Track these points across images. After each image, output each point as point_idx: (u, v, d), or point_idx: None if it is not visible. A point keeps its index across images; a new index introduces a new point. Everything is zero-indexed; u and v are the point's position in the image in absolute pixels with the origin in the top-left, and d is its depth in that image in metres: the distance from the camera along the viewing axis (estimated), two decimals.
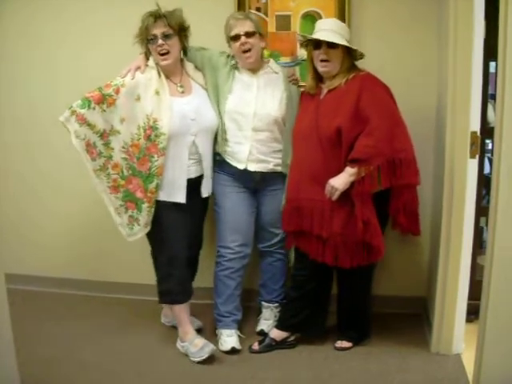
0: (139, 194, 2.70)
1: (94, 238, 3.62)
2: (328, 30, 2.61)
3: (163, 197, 2.73)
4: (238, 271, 2.93)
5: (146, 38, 2.69)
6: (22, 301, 3.45)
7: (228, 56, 2.89)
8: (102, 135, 2.65)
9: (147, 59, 2.75)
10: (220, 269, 2.93)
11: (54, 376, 2.66)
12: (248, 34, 2.73)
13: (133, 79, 2.68)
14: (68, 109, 2.61)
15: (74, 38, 3.45)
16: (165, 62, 2.70)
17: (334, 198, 2.56)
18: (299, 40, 2.76)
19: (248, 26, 2.73)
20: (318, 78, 2.75)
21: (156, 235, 2.78)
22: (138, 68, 2.72)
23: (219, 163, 2.89)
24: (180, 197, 2.74)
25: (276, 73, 2.88)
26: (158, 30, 2.65)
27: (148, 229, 2.76)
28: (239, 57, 2.78)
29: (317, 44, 2.64)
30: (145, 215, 2.72)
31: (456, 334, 2.77)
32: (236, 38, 2.73)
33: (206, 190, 2.87)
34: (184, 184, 2.74)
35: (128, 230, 2.78)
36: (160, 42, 2.65)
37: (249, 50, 2.74)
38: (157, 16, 2.66)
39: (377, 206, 2.58)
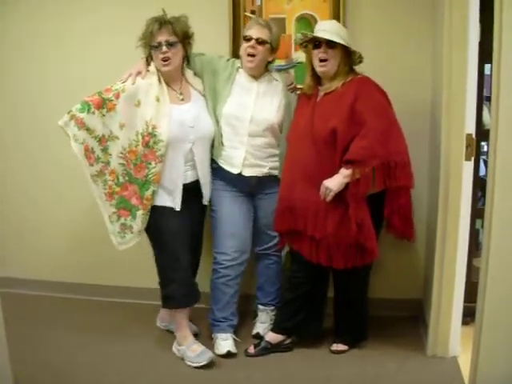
0: (134, 201, 2.69)
1: (90, 242, 3.59)
2: (328, 30, 2.62)
3: (162, 202, 2.72)
4: (235, 279, 2.91)
5: (149, 44, 2.67)
6: (18, 304, 3.43)
7: (228, 60, 2.90)
8: (101, 140, 2.64)
9: (148, 64, 2.74)
10: (217, 276, 2.91)
11: (48, 379, 2.64)
12: (259, 41, 2.73)
13: (133, 84, 2.66)
14: (67, 113, 2.60)
15: (72, 44, 3.44)
16: (166, 68, 2.69)
17: (329, 199, 2.56)
18: (299, 39, 2.75)
19: (263, 34, 2.74)
20: (316, 80, 2.75)
21: (157, 240, 2.77)
22: (139, 73, 2.70)
23: (215, 169, 2.88)
24: (176, 204, 2.73)
25: (276, 80, 2.88)
26: (162, 37, 2.64)
27: (140, 237, 2.75)
28: (243, 57, 2.79)
29: (316, 44, 2.65)
30: (139, 222, 2.71)
31: (452, 337, 2.77)
32: (248, 39, 2.74)
33: (205, 198, 2.87)
34: (180, 191, 2.73)
35: (119, 238, 2.77)
36: (164, 49, 2.64)
37: (253, 56, 2.74)
38: (162, 22, 2.64)
39: (372, 208, 2.58)
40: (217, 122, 2.81)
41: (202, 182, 2.82)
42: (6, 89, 3.62)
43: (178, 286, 2.75)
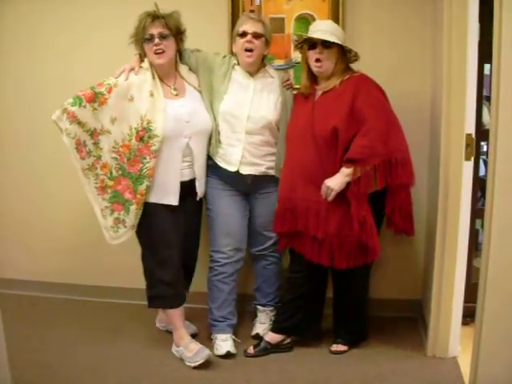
0: (128, 196, 2.68)
1: (89, 243, 3.58)
2: (323, 30, 2.61)
3: (154, 199, 2.71)
4: (231, 276, 2.91)
5: (142, 38, 2.67)
6: (16, 305, 3.44)
7: (224, 57, 2.89)
8: (93, 134, 2.64)
9: (142, 61, 2.74)
10: (213, 274, 2.91)
11: (47, 381, 2.63)
12: (256, 35, 2.73)
13: (126, 80, 2.66)
14: (60, 108, 2.60)
15: (69, 44, 3.44)
16: (159, 61, 2.68)
17: (330, 198, 2.56)
18: (294, 40, 2.76)
19: (258, 28, 2.74)
20: (313, 79, 2.75)
21: (147, 238, 2.76)
22: (132, 69, 2.70)
23: (211, 167, 2.87)
24: (172, 199, 2.72)
25: (272, 77, 2.88)
26: (155, 30, 2.64)
27: (133, 231, 2.74)
28: (240, 54, 2.78)
29: (312, 44, 2.65)
30: (132, 217, 2.70)
31: (452, 337, 2.76)
32: (243, 34, 2.74)
33: (199, 192, 2.85)
34: (177, 186, 2.72)
35: (112, 232, 2.76)
36: (157, 41, 2.64)
37: (251, 50, 2.74)
38: (155, 16, 2.65)
39: (372, 205, 2.58)
40: (214, 119, 2.80)
41: (197, 178, 2.80)
42: (2, 89, 3.61)
43: (166, 287, 2.75)
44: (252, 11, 3.14)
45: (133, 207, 2.68)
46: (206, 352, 2.75)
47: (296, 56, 3.09)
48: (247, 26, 2.74)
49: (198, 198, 2.86)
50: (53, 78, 3.50)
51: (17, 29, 3.51)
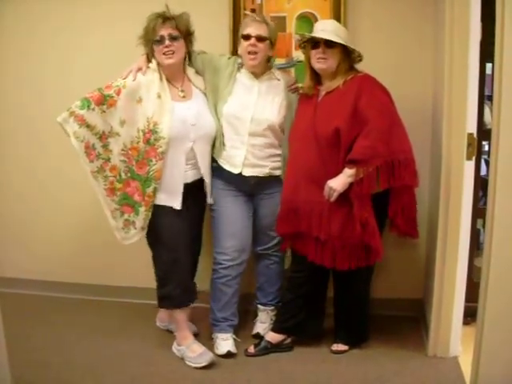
0: (137, 198, 2.68)
1: (87, 242, 3.59)
2: (326, 30, 2.61)
3: (162, 201, 2.71)
4: (234, 279, 2.90)
5: (151, 39, 2.66)
6: (16, 304, 3.42)
7: (229, 58, 2.88)
8: (101, 137, 2.63)
9: (149, 61, 2.73)
10: (217, 276, 2.91)
11: (47, 380, 2.63)
12: (259, 38, 2.71)
13: (134, 80, 2.65)
14: (66, 110, 2.58)
15: (69, 44, 3.44)
16: (169, 61, 2.67)
17: (333, 199, 2.55)
18: (297, 40, 2.75)
19: (262, 31, 2.72)
20: (316, 79, 2.74)
21: (156, 240, 2.76)
22: (140, 69, 2.69)
23: (215, 169, 2.87)
24: (176, 203, 2.72)
25: (278, 79, 2.87)
26: (165, 31, 2.63)
27: (144, 232, 2.74)
28: (244, 56, 2.77)
29: (315, 44, 2.64)
30: (141, 219, 2.70)
31: (453, 337, 2.76)
32: (247, 37, 2.72)
33: (209, 194, 2.86)
34: (180, 190, 2.71)
35: (123, 233, 2.76)
36: (167, 42, 2.63)
37: (254, 53, 2.73)
38: (165, 17, 2.65)
39: (375, 207, 2.57)
40: (218, 121, 2.79)
41: (206, 181, 2.82)
42: (2, 89, 3.61)
43: (174, 286, 2.75)
44: (253, 10, 3.14)
45: (142, 209, 2.68)
46: (210, 355, 2.75)
47: (297, 55, 3.09)
48: (251, 28, 2.73)
49: (210, 201, 2.87)
50: (52, 77, 3.50)
51: (16, 29, 3.50)
